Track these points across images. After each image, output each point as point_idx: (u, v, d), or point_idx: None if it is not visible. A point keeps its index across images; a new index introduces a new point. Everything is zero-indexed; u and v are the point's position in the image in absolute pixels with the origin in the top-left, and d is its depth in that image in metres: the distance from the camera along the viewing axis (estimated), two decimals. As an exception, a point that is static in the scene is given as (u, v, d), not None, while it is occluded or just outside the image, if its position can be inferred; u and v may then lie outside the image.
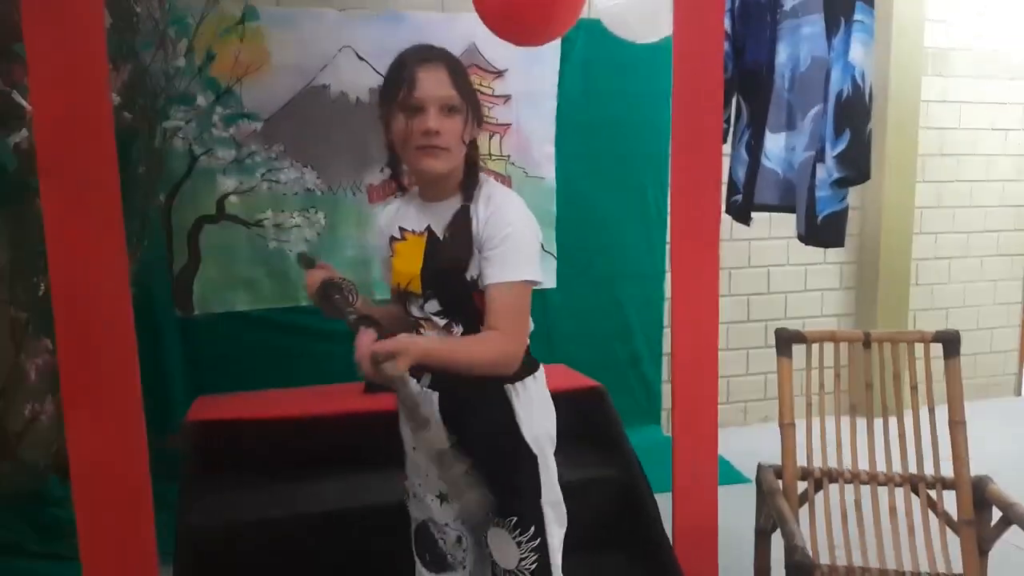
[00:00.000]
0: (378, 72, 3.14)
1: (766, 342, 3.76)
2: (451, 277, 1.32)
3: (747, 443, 3.28)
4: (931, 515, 1.92)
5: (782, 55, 1.65)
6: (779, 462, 1.96)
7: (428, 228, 1.36)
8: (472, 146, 1.36)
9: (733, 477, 3.06)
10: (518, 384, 1.36)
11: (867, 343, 2.01)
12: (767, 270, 4.02)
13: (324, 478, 1.88)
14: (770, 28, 1.68)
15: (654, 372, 3.78)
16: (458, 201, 1.35)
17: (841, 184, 1.48)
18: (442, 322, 1.35)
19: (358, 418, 1.85)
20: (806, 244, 1.64)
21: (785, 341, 2.04)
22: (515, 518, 1.35)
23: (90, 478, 1.42)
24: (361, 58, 3.12)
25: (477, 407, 1.35)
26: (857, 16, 1.45)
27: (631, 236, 3.61)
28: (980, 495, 1.87)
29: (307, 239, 3.08)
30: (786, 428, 1.99)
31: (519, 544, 1.36)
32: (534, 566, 1.36)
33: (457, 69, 1.32)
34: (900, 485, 1.95)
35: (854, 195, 4.04)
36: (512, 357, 1.28)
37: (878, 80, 3.98)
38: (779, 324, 3.87)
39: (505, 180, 3.38)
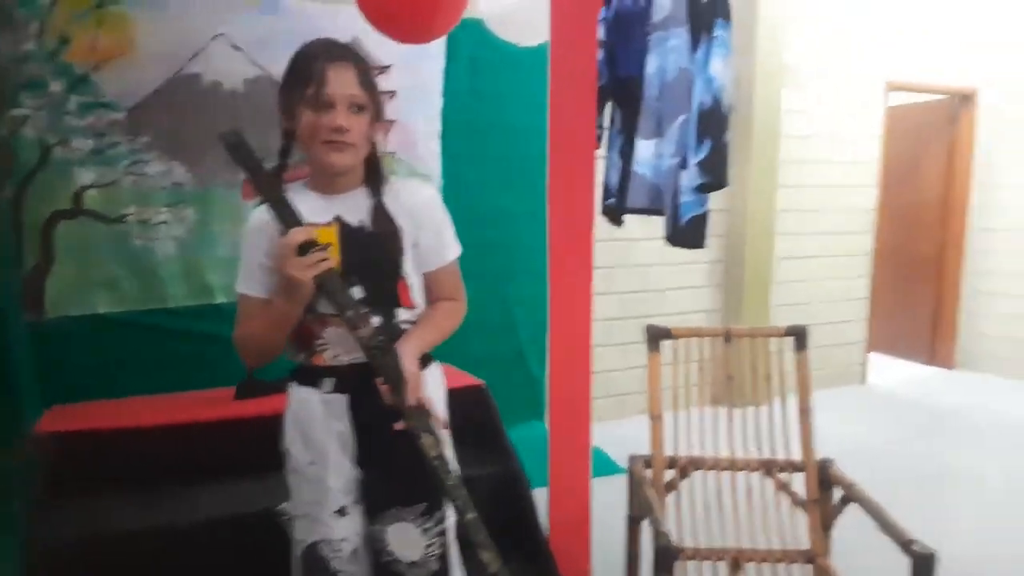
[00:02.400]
0: (255, 63, 3.03)
1: (642, 338, 3.93)
2: (385, 267, 1.37)
3: (625, 435, 3.41)
4: (782, 497, 2.08)
5: (651, 66, 1.73)
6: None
7: (339, 219, 1.36)
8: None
9: (611, 468, 3.19)
10: (424, 372, 1.40)
11: (728, 338, 2.15)
12: (643, 269, 4.20)
13: (190, 488, 1.79)
14: (641, 39, 1.76)
15: (538, 368, 3.86)
16: (364, 194, 1.39)
17: (702, 190, 1.59)
18: (362, 311, 1.33)
19: (227, 425, 1.78)
20: (672, 245, 1.73)
21: (654, 337, 2.15)
22: (424, 504, 1.38)
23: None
24: (236, 47, 2.99)
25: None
26: (717, 31, 1.55)
27: (518, 234, 3.66)
28: (824, 476, 2.05)
29: (175, 236, 2.91)
30: (655, 420, 2.09)
31: (426, 531, 1.38)
32: (440, 551, 1.39)
33: (363, 67, 1.35)
34: (756, 470, 2.10)
35: (723, 199, 4.32)
36: (462, 317, 1.51)
37: (744, 92, 4.26)
38: (654, 320, 4.06)
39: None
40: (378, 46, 3.15)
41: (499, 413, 2.15)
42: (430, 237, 1.43)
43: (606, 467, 3.38)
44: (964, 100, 5.24)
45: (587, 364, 1.85)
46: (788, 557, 1.99)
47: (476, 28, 2.82)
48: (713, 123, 1.54)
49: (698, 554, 2.00)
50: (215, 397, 2.03)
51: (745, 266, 4.37)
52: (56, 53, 2.30)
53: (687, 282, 4.37)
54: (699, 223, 1.63)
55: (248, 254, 1.37)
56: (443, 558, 1.42)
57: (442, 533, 1.41)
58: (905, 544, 1.59)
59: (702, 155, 1.56)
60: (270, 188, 1.27)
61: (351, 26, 3.00)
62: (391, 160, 3.34)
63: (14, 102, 2.05)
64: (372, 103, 1.35)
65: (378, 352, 1.29)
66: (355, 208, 1.37)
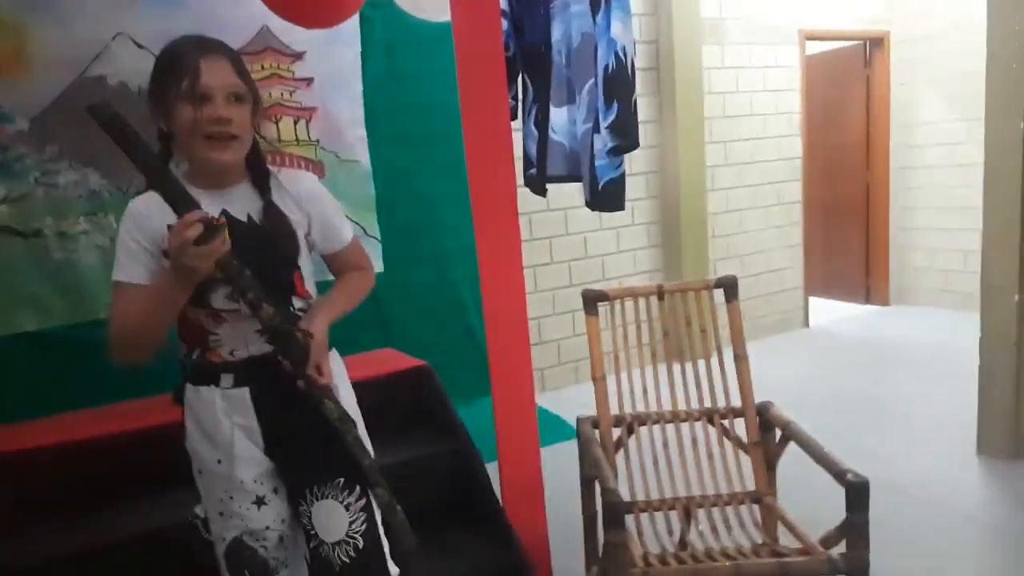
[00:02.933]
0: (162, 60, 2.93)
1: (588, 303, 4.00)
2: (280, 261, 1.36)
3: (583, 400, 3.47)
4: (726, 442, 2.15)
5: (557, 33, 1.74)
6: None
7: (225, 214, 1.32)
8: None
9: (567, 433, 3.23)
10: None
11: (660, 295, 2.19)
12: (583, 236, 4.24)
13: (136, 498, 1.76)
14: (544, 7, 1.76)
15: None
16: (250, 190, 1.36)
17: (615, 152, 1.60)
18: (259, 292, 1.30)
19: (167, 430, 1.75)
20: (592, 210, 1.75)
21: (591, 301, 2.17)
22: (341, 479, 1.38)
23: None
24: (140, 45, 2.87)
25: (293, 389, 1.33)
26: (615, -6, 1.57)
27: (455, 213, 3.62)
28: (764, 419, 2.12)
29: (98, 245, 2.82)
30: (598, 382, 2.13)
31: (347, 507, 1.38)
32: (363, 527, 1.39)
33: (237, 58, 1.32)
34: (699, 419, 2.16)
35: (653, 160, 4.37)
36: (372, 283, 1.55)
37: (664, 51, 4.30)
38: (598, 285, 4.12)
39: (317, 166, 3.29)
40: (289, 32, 3.10)
41: (445, 391, 2.15)
42: (324, 224, 1.44)
43: (564, 432, 3.43)
44: (877, 43, 5.39)
45: (525, 335, 1.87)
46: (736, 499, 2.06)
47: (388, 7, 2.78)
48: (619, 85, 1.56)
49: (650, 506, 2.05)
50: (153, 404, 1.98)
51: (681, 224, 4.45)
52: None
53: (626, 245, 4.43)
54: (617, 186, 1.65)
55: (126, 240, 1.30)
56: (370, 533, 1.41)
57: (366, 508, 1.41)
58: (839, 475, 1.66)
59: (611, 118, 1.58)
60: (156, 168, 1.20)
61: (260, 14, 2.93)
62: (316, 149, 3.29)
63: None
64: (251, 92, 1.32)
65: (279, 331, 1.28)
66: (241, 203, 1.35)
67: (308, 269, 1.44)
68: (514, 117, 1.94)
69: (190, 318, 1.34)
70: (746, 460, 2.12)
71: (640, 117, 4.25)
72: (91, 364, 2.74)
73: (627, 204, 4.26)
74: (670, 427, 2.16)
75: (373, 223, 3.43)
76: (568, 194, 4.14)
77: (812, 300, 5.43)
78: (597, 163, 1.64)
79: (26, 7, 2.60)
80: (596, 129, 1.62)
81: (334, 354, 1.47)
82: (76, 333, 2.78)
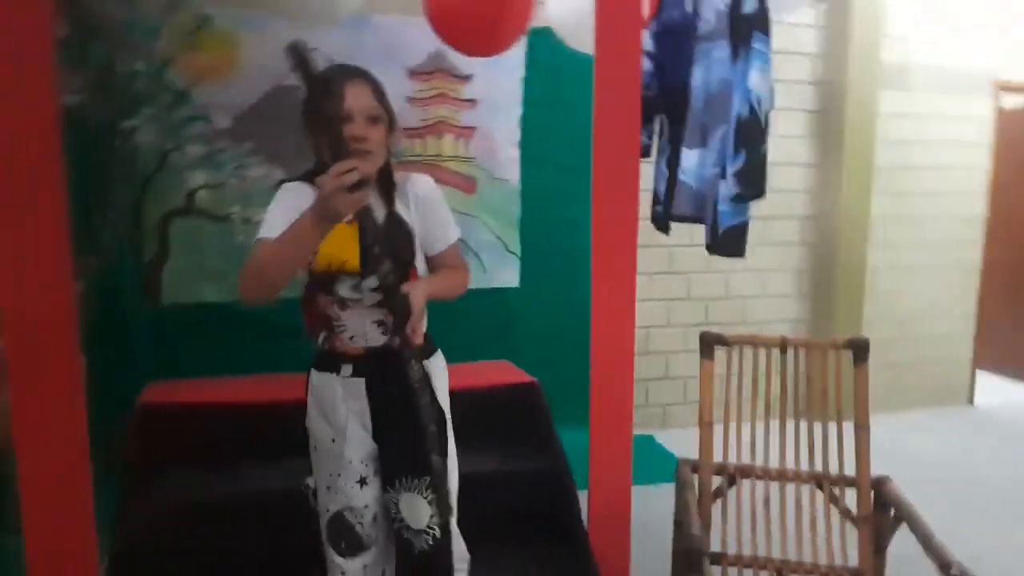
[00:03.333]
0: (347, 74, 3.26)
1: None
2: (401, 260, 1.52)
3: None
4: (833, 512, 2.04)
5: (697, 77, 1.76)
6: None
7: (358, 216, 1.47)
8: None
9: (676, 473, 3.18)
10: (428, 361, 1.58)
11: (783, 348, 2.13)
12: (725, 276, 4.14)
13: (266, 462, 1.98)
14: (688, 51, 1.79)
15: (612, 371, 3.90)
16: (376, 197, 1.53)
17: (738, 200, 1.60)
18: (378, 297, 1.48)
19: (297, 405, 1.95)
20: (710, 253, 1.76)
21: (708, 343, 2.16)
22: (428, 478, 1.50)
23: (33, 457, 1.54)
24: (329, 60, 3.22)
25: (401, 382, 1.47)
26: (755, 44, 1.57)
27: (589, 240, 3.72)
28: (879, 493, 2.00)
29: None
30: (704, 426, 2.11)
31: (430, 503, 1.51)
32: (442, 521, 1.53)
33: (377, 85, 1.51)
34: (807, 482, 2.07)
35: (812, 206, 4.20)
36: (467, 286, 1.70)
37: (835, 94, 4.12)
38: (737, 328, 4.01)
39: (470, 181, 3.50)
40: (459, 56, 3.32)
41: (550, 411, 2.23)
42: (434, 226, 1.62)
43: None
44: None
45: (630, 368, 1.90)
46: (834, 572, 1.96)
47: (553, 37, 2.90)
48: (749, 135, 1.56)
49: (740, 561, 2.00)
50: (299, 380, 2.22)
51: (835, 276, 4.22)
52: (162, 71, 2.60)
53: (772, 291, 4.27)
54: (738, 233, 1.65)
55: (275, 210, 1.47)
56: (446, 527, 1.54)
57: (444, 493, 1.52)
58: (944, 566, 1.55)
59: (737, 166, 1.58)
60: (332, 122, 1.32)
61: (432, 37, 3.20)
62: (471, 165, 3.50)
63: (128, 116, 2.33)
64: (386, 115, 1.50)
65: (390, 287, 1.43)
66: (373, 208, 1.49)
67: (422, 269, 1.61)
68: (647, 155, 1.98)
69: (319, 306, 1.53)
70: (853, 535, 2.01)
71: (801, 160, 4.15)
72: (254, 336, 3.16)
73: (776, 248, 4.17)
74: (774, 485, 2.09)
75: (515, 239, 3.58)
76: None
77: (981, 376, 4.91)
78: (720, 208, 1.65)
79: (242, 22, 2.99)
80: (723, 175, 1.63)
81: (439, 357, 1.62)
82: (244, 308, 3.15)
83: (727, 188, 1.61)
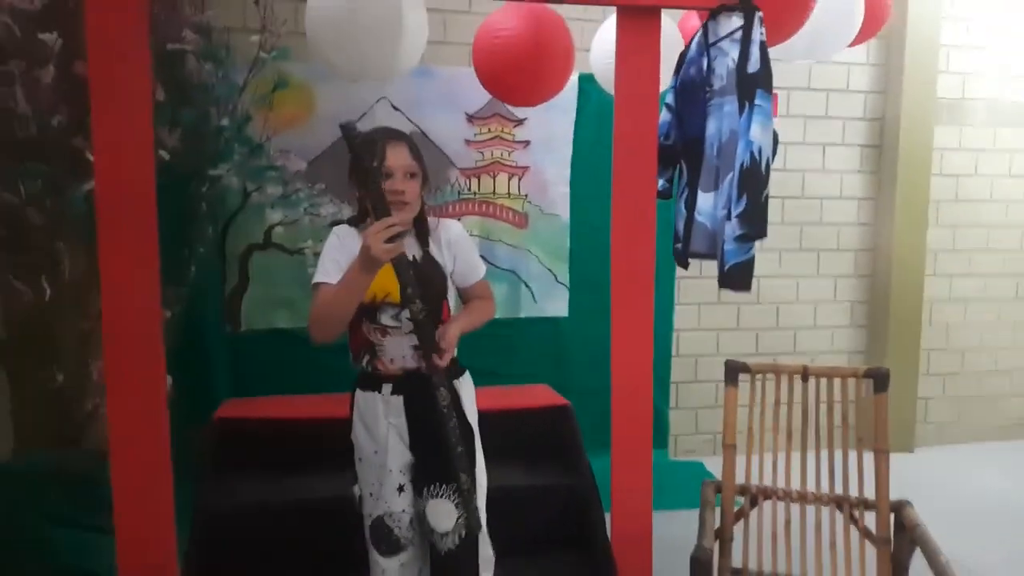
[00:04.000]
0: (410, 119, 3.56)
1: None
2: (434, 293, 1.75)
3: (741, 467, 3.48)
4: (853, 534, 2.12)
5: (711, 128, 1.93)
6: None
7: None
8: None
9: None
10: (457, 381, 1.79)
11: (805, 377, 2.23)
12: (776, 306, 4.20)
13: (323, 471, 2.22)
14: (703, 105, 1.97)
15: (662, 399, 4.00)
16: (413, 239, 1.78)
17: (741, 239, 1.75)
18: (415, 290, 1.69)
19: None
20: (720, 287, 1.91)
21: (732, 371, 2.29)
22: (454, 484, 1.70)
23: (124, 462, 1.80)
24: (395, 108, 3.54)
25: (434, 399, 1.68)
26: (758, 100, 1.73)
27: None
28: (899, 517, 2.07)
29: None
30: (727, 448, 2.23)
31: (456, 506, 1.70)
32: (465, 524, 1.72)
33: (413, 144, 1.76)
34: (827, 505, 2.16)
35: (867, 239, 4.21)
36: (494, 314, 1.93)
37: (889, 130, 4.16)
38: (788, 359, 4.05)
39: (522, 216, 3.72)
40: (514, 102, 3.57)
41: (580, 432, 2.39)
42: (463, 264, 1.86)
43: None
44: None
45: (648, 395, 2.06)
46: (852, 593, 2.04)
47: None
48: (750, 181, 1.71)
49: (759, 578, 2.10)
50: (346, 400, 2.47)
51: (891, 307, 4.20)
52: (243, 126, 2.95)
53: (825, 322, 4.29)
54: (743, 269, 1.80)
55: (328, 255, 1.73)
56: (471, 531, 1.73)
57: (472, 509, 1.71)
58: (943, 584, 1.63)
59: (740, 209, 1.73)
60: (376, 181, 1.59)
61: (485, 87, 3.46)
62: (524, 202, 3.72)
63: (215, 164, 2.67)
64: (421, 171, 1.74)
65: (421, 321, 1.65)
66: (409, 249, 1.74)
67: (453, 302, 1.84)
68: (668, 197, 2.15)
69: (363, 332, 1.76)
70: (873, 559, 2.08)
71: (854, 194, 4.18)
72: (319, 359, 3.44)
73: (829, 280, 4.20)
74: (795, 507, 2.18)
75: (564, 272, 3.77)
76: (763, 261, 4.16)
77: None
78: (726, 247, 1.80)
79: (319, 76, 3.32)
80: (728, 216, 1.79)
81: (467, 378, 1.83)
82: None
83: (731, 229, 1.77)
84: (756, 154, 1.72)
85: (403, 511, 1.77)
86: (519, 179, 3.72)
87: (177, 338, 2.75)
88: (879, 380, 2.17)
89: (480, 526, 1.74)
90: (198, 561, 2.04)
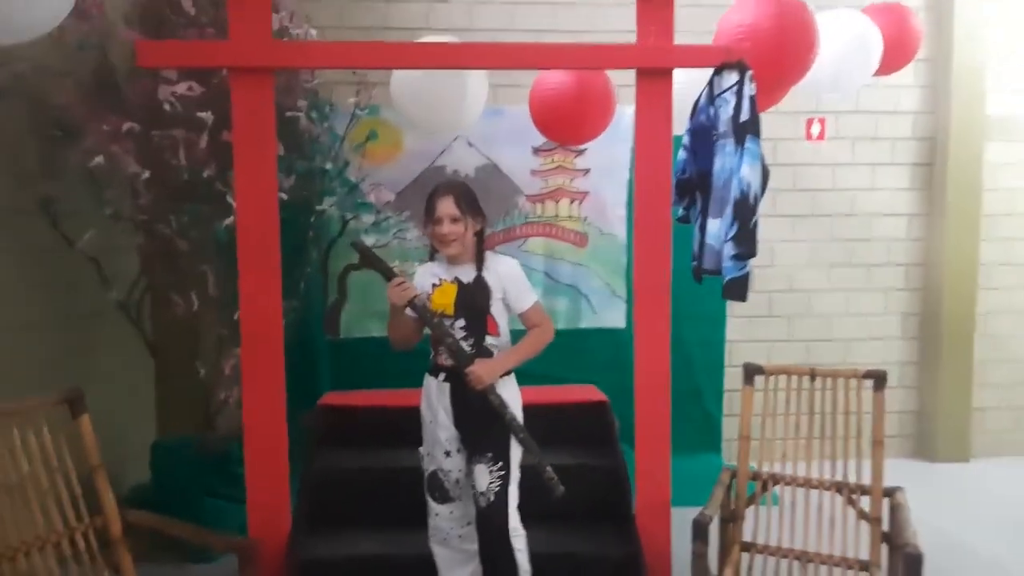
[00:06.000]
0: (483, 154, 4.08)
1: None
2: (479, 309, 2.24)
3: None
4: (851, 515, 2.43)
5: (717, 164, 2.31)
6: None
7: (456, 279, 2.25)
8: (480, 233, 2.28)
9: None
10: (505, 379, 2.25)
11: (812, 377, 2.56)
12: (828, 319, 4.44)
13: (404, 447, 2.72)
14: (711, 145, 2.36)
15: (714, 405, 4.31)
16: (472, 267, 2.26)
17: (736, 259, 2.13)
18: (463, 333, 2.21)
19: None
20: (723, 298, 2.29)
21: (750, 373, 2.65)
22: (490, 454, 2.18)
23: (254, 440, 2.38)
24: (470, 144, 4.08)
25: (476, 391, 2.16)
26: (747, 144, 2.11)
27: (693, 284, 4.21)
28: (892, 501, 2.37)
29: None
30: (743, 440, 2.59)
31: (490, 472, 2.17)
32: (497, 488, 2.18)
33: (458, 194, 2.25)
34: (828, 489, 2.48)
35: (919, 254, 4.40)
36: (551, 337, 2.29)
37: (939, 148, 4.35)
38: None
39: (583, 236, 4.16)
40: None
41: (617, 424, 2.82)
42: (513, 292, 2.28)
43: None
44: None
45: (666, 395, 2.46)
46: (846, 563, 2.36)
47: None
48: (740, 211, 2.09)
49: (767, 550, 2.45)
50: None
51: (943, 319, 4.36)
52: (343, 169, 3.55)
53: (877, 333, 4.48)
54: (739, 283, 2.17)
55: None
56: (501, 493, 2.18)
57: (503, 477, 2.18)
58: (899, 546, 1.96)
59: (732, 232, 2.12)
60: (387, 268, 2.24)
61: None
62: (584, 223, 4.16)
63: (319, 200, 3.29)
64: (463, 215, 2.20)
65: (453, 349, 2.15)
66: (465, 273, 2.24)
67: (500, 317, 2.27)
68: (687, 222, 2.56)
69: (435, 338, 2.26)
70: (866, 536, 2.38)
71: (905, 210, 4.37)
72: (405, 361, 3.99)
73: (880, 294, 4.40)
74: (800, 490, 2.51)
75: (622, 286, 4.17)
76: (813, 276, 4.42)
77: None
78: (724, 264, 2.18)
79: (405, 122, 3.90)
80: (726, 239, 2.17)
81: (510, 379, 2.28)
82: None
83: (728, 249, 2.15)
84: (745, 189, 2.10)
85: (450, 470, 2.27)
86: (580, 203, 4.17)
87: (290, 342, 3.36)
88: (878, 381, 2.48)
89: (561, 491, 2.15)
90: (306, 517, 2.59)
